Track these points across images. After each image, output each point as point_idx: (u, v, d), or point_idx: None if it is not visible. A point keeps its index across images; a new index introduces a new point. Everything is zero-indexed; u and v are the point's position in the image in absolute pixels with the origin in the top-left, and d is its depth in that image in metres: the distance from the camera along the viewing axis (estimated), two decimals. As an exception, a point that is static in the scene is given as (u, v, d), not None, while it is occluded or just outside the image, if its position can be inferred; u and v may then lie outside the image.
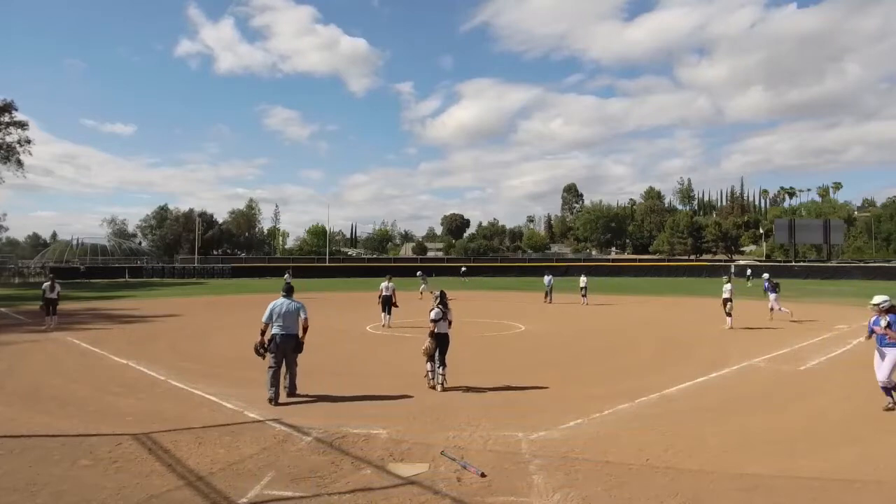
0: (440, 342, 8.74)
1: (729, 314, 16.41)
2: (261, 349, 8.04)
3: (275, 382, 7.79)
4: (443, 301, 8.85)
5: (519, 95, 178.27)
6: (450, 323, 8.92)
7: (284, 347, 7.98)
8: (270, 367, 7.88)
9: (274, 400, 7.68)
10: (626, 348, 12.97)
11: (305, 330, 8.16)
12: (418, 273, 29.89)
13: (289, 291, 8.41)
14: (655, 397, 8.09)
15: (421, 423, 6.84)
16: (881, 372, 7.31)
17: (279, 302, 8.13)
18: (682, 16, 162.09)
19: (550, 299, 26.43)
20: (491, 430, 6.41)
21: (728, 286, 17.05)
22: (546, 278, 27.09)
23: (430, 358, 8.75)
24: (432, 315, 8.72)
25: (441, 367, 8.72)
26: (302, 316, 8.13)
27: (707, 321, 17.80)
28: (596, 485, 4.89)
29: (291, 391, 8.16)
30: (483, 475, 5.07)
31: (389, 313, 17.05)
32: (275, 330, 8.02)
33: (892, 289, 39.48)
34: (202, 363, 10.92)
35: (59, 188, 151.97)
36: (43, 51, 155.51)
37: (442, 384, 8.65)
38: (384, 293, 17.16)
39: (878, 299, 7.52)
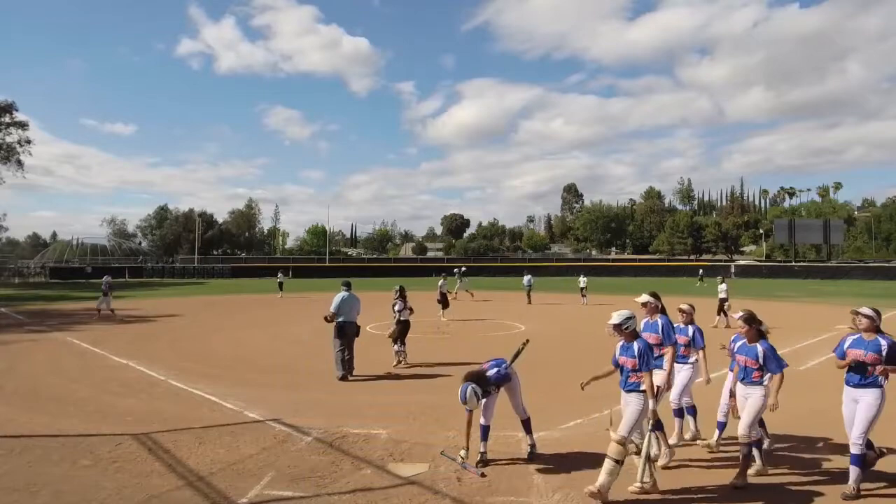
0: (404, 327, 10.69)
1: (724, 313, 16.50)
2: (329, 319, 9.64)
3: (342, 364, 9.34)
4: (402, 295, 10.82)
5: (520, 95, 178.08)
6: (411, 311, 10.99)
7: (349, 332, 9.46)
8: (338, 351, 9.38)
9: (344, 378, 9.25)
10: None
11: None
12: (279, 273, 32.60)
13: (349, 286, 9.90)
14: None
15: (421, 423, 6.84)
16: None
17: (344, 295, 9.64)
18: (684, 16, 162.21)
19: (529, 300, 25.47)
20: (491, 430, 6.41)
21: (723, 286, 17.16)
22: (525, 278, 26.16)
23: (395, 341, 10.59)
24: (397, 307, 10.72)
25: (402, 347, 10.63)
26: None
27: (706, 321, 17.79)
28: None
29: (350, 371, 9.46)
30: (483, 475, 5.07)
31: (447, 307, 19.39)
32: (340, 319, 9.48)
33: (893, 288, 39.11)
34: (202, 363, 10.92)
35: (59, 188, 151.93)
36: (43, 51, 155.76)
37: (404, 359, 10.57)
38: (442, 290, 19.65)
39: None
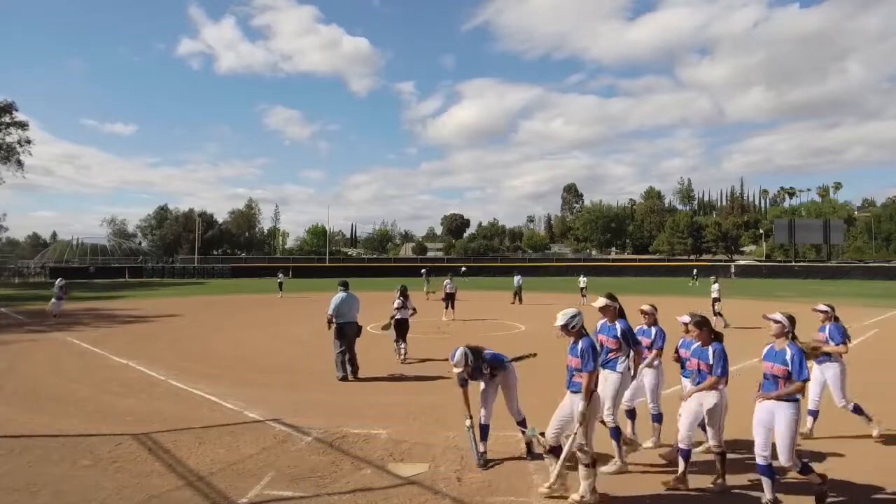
0: (401, 325, 11.13)
1: (718, 314, 16.59)
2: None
3: (343, 365, 9.24)
4: (404, 294, 11.30)
5: (520, 95, 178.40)
6: (413, 311, 11.44)
7: (349, 333, 9.32)
8: (339, 353, 9.26)
9: (345, 379, 9.16)
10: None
11: None
12: (279, 273, 32.77)
13: (346, 286, 9.82)
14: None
15: (421, 423, 6.84)
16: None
17: (342, 296, 9.53)
18: (684, 16, 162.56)
19: (520, 300, 25.10)
20: (491, 430, 6.41)
21: (716, 286, 17.27)
22: (515, 279, 25.92)
23: (397, 339, 11.14)
24: (395, 304, 11.22)
25: (403, 344, 11.11)
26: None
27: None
28: (595, 485, 4.88)
29: (355, 372, 9.36)
30: (486, 463, 5.16)
31: (453, 308, 19.18)
32: (339, 319, 9.35)
33: (893, 288, 38.95)
34: (202, 363, 10.92)
35: (59, 188, 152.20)
36: (43, 51, 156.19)
37: (404, 356, 11.02)
38: (447, 290, 19.42)
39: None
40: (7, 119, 46.84)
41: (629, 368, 5.41)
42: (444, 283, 19.99)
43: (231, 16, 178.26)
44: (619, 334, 5.44)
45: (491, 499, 4.62)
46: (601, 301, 5.62)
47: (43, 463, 5.38)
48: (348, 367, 9.36)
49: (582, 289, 26.27)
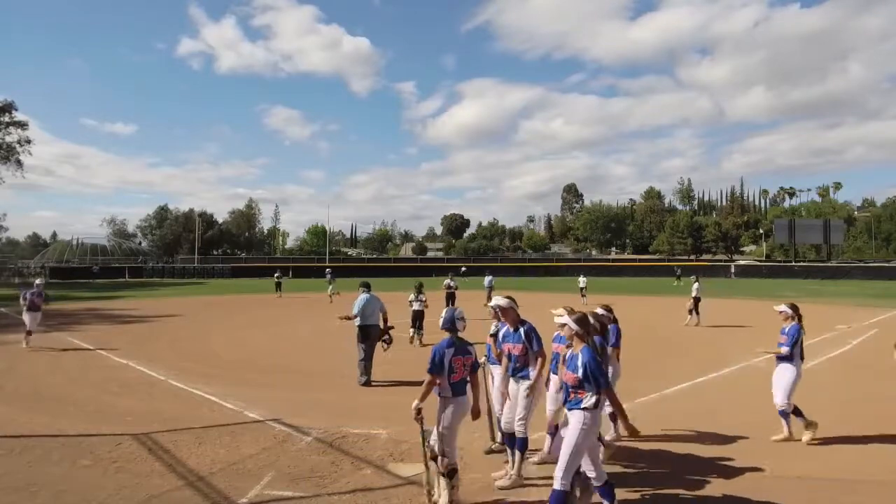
0: (417, 315, 13.27)
1: (690, 312, 17.25)
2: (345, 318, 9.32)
3: (367, 370, 9.03)
4: (419, 289, 13.50)
5: (520, 95, 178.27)
6: (424, 303, 13.41)
7: (372, 335, 9.15)
8: (362, 360, 9.05)
9: (368, 384, 8.92)
10: (624, 348, 12.94)
11: (386, 320, 9.44)
12: (277, 273, 32.10)
13: (368, 287, 9.64)
14: (655, 397, 8.10)
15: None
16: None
17: (366, 297, 9.32)
18: (684, 15, 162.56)
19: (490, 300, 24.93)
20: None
21: (696, 285, 17.50)
22: (486, 279, 25.27)
23: (413, 327, 13.09)
24: (410, 297, 13.47)
25: (420, 331, 13.14)
26: (382, 308, 9.44)
27: (705, 321, 17.82)
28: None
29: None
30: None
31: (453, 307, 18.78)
32: (361, 322, 9.13)
33: (893, 288, 39.01)
34: (202, 363, 10.92)
35: (59, 188, 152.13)
36: (43, 51, 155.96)
37: (420, 340, 12.87)
38: (448, 290, 19.49)
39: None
40: (7, 119, 46.83)
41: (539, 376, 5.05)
42: (445, 282, 20.03)
43: (231, 16, 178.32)
44: (522, 338, 5.05)
45: (492, 498, 4.62)
46: (503, 301, 5.16)
47: (43, 463, 5.38)
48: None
49: (582, 289, 26.24)
